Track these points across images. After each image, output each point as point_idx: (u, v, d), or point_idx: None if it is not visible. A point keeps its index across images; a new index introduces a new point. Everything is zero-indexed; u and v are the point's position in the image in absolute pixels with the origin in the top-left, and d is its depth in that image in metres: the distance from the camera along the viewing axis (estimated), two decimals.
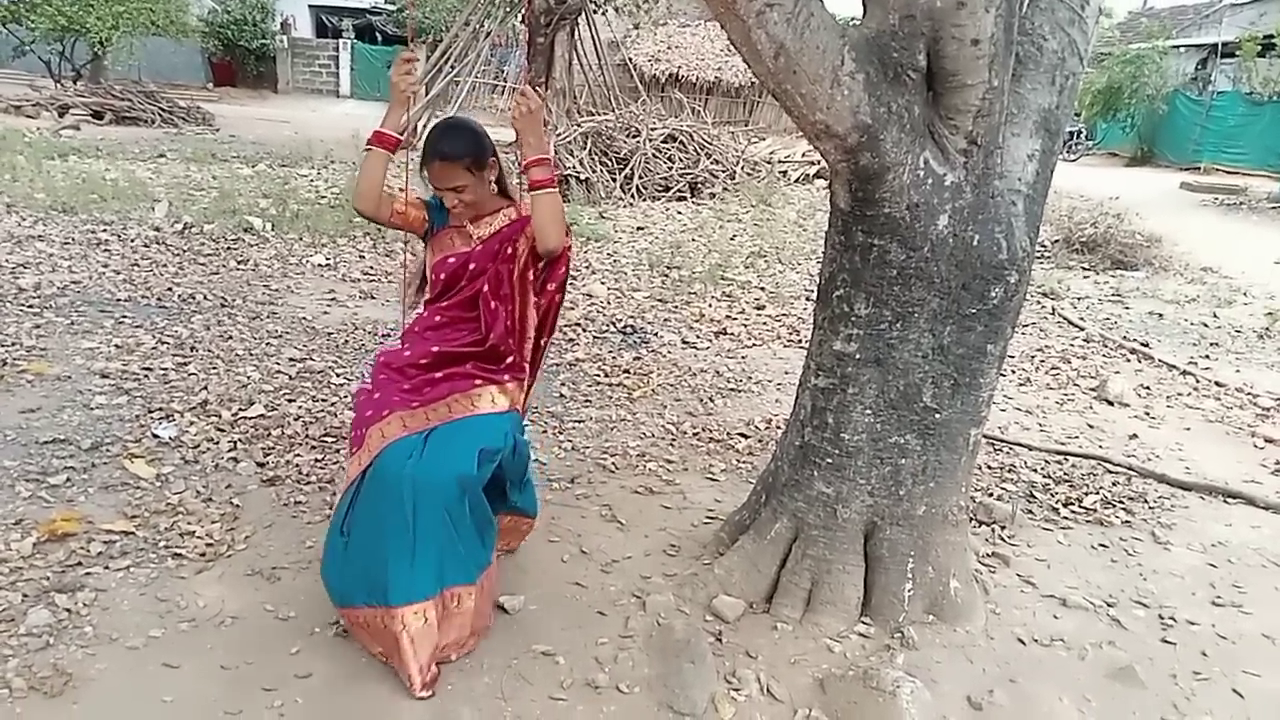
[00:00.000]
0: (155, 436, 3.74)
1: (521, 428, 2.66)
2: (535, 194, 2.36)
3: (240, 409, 4.09)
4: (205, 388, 4.28)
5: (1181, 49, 23.61)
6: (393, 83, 2.41)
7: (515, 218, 2.53)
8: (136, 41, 18.77)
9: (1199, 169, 19.88)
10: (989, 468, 4.20)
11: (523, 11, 15.36)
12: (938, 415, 2.77)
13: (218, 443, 3.74)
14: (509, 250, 2.50)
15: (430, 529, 2.32)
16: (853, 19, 3.20)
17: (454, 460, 2.34)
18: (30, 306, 5.19)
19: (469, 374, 2.46)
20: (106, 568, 2.82)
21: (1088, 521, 3.75)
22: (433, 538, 2.33)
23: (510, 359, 2.54)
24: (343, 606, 2.47)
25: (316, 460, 3.69)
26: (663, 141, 12.50)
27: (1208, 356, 6.40)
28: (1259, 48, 19.88)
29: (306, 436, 3.90)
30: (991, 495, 3.87)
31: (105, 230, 7.20)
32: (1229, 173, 19.32)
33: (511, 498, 2.77)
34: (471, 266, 2.49)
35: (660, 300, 6.87)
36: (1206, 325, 7.33)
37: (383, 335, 5.36)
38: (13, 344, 4.57)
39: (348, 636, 2.58)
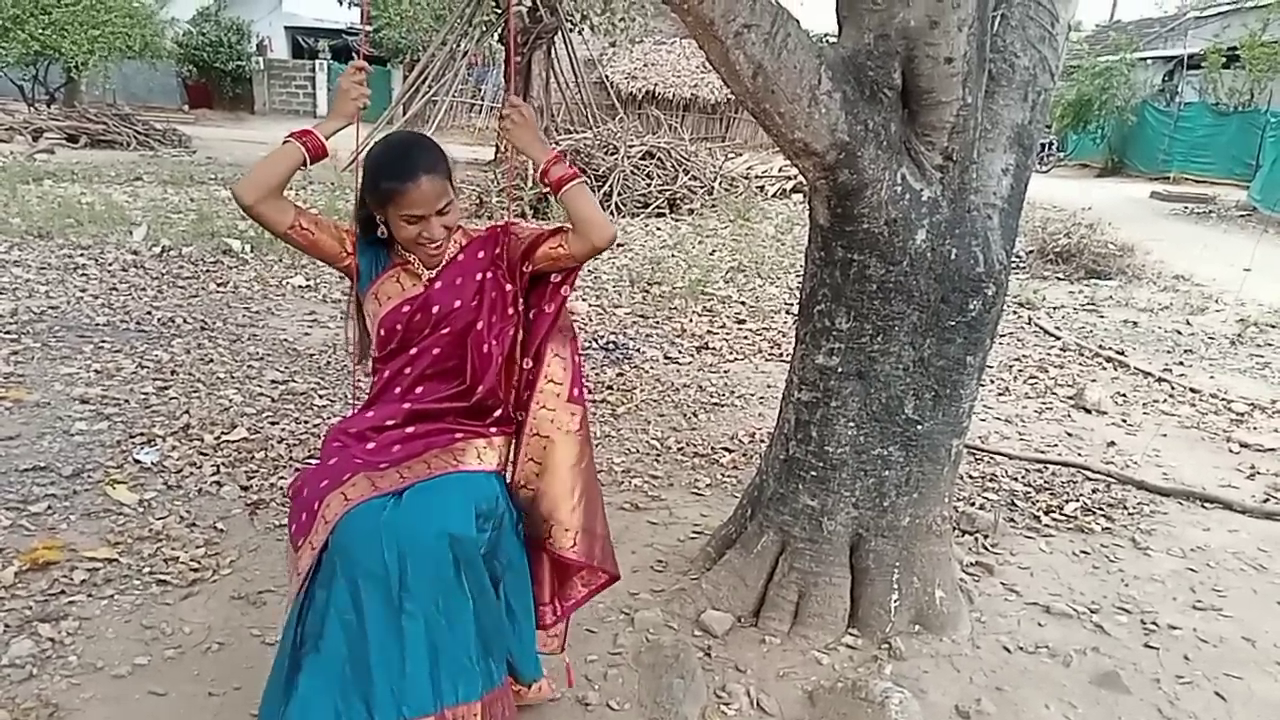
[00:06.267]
0: (137, 462, 3.71)
1: (516, 508, 2.13)
2: (565, 191, 2.06)
3: (223, 432, 4.06)
4: (187, 412, 4.26)
5: (1148, 61, 24.04)
6: (342, 90, 2.01)
7: (466, 242, 2.12)
8: (111, 65, 18.69)
9: (1169, 178, 20.21)
10: (971, 477, 4.24)
11: (499, 31, 15.45)
12: (920, 427, 2.81)
13: (200, 467, 3.72)
14: (490, 275, 2.09)
15: (419, 607, 1.86)
16: (827, 35, 3.26)
17: (441, 515, 1.90)
18: (8, 333, 5.14)
19: (447, 428, 2.04)
20: (90, 596, 2.80)
21: (1069, 529, 3.79)
22: (421, 622, 1.87)
23: (498, 411, 2.11)
24: None
25: None
26: (641, 158, 12.56)
27: (1182, 363, 6.49)
28: (1223, 59, 20.28)
29: (290, 459, 3.89)
30: (974, 505, 3.91)
31: (82, 255, 7.15)
32: (1198, 182, 19.65)
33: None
34: (435, 309, 2.04)
35: (642, 316, 6.90)
36: (1180, 332, 7.44)
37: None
38: None
39: None
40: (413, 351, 2.07)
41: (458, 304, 2.05)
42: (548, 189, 2.10)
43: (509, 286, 2.11)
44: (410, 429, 2.02)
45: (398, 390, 2.08)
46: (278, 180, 1.96)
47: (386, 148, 2.06)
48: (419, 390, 2.07)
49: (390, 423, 2.04)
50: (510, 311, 2.11)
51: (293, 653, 1.90)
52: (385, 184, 1.97)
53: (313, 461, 3.85)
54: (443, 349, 2.06)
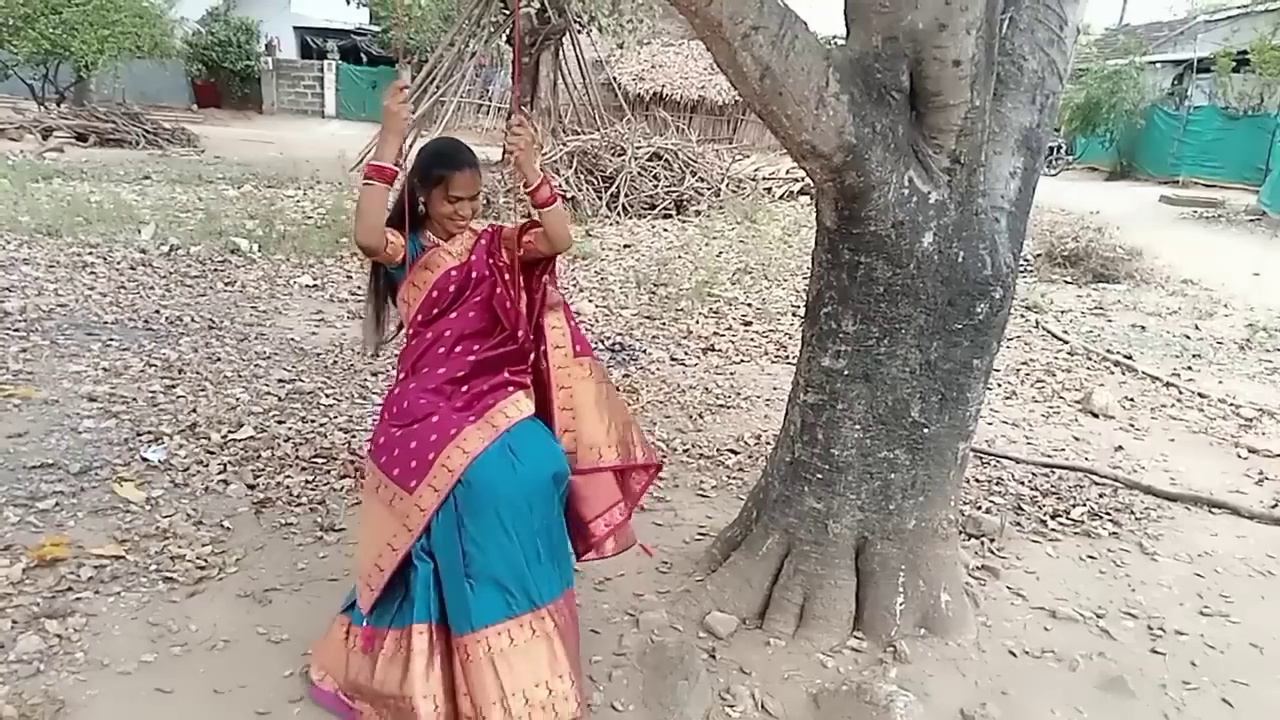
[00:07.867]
0: (144, 460, 3.72)
1: None
2: (546, 210, 2.52)
3: (229, 431, 4.08)
4: (194, 410, 4.27)
5: (1158, 65, 23.94)
6: (390, 111, 2.36)
7: (474, 234, 2.62)
8: (121, 64, 18.76)
9: (1178, 182, 20.13)
10: (977, 481, 4.23)
11: (507, 32, 15.46)
12: (926, 430, 2.80)
13: (207, 465, 3.73)
14: (499, 262, 2.59)
15: (541, 522, 2.41)
16: (834, 36, 3.25)
17: (549, 457, 2.47)
18: (16, 330, 5.17)
19: (504, 381, 2.52)
20: (97, 592, 2.81)
21: (1075, 533, 3.78)
22: (546, 533, 2.43)
23: (531, 356, 2.61)
24: (474, 629, 2.28)
25: (307, 482, 3.68)
26: (648, 160, 12.56)
27: (1190, 368, 6.47)
28: (1233, 63, 20.19)
29: (296, 458, 3.90)
30: (980, 508, 3.90)
31: (91, 253, 7.19)
32: (1207, 186, 19.57)
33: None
34: (473, 275, 2.54)
35: (648, 317, 6.90)
36: (1188, 337, 7.41)
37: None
38: None
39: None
40: (453, 315, 2.53)
41: (486, 273, 2.55)
42: (534, 205, 2.55)
43: (501, 262, 2.59)
44: (484, 385, 2.49)
45: (441, 350, 2.51)
46: (383, 218, 2.39)
47: (439, 145, 2.60)
48: (459, 349, 2.52)
49: (462, 374, 2.50)
50: (508, 278, 2.58)
51: (462, 568, 2.31)
52: (438, 169, 2.47)
53: (319, 460, 3.88)
54: (476, 312, 2.54)
